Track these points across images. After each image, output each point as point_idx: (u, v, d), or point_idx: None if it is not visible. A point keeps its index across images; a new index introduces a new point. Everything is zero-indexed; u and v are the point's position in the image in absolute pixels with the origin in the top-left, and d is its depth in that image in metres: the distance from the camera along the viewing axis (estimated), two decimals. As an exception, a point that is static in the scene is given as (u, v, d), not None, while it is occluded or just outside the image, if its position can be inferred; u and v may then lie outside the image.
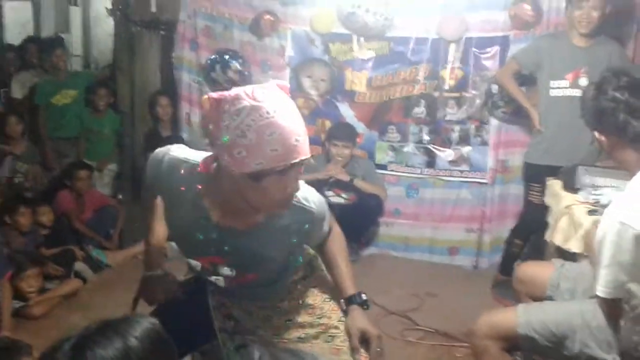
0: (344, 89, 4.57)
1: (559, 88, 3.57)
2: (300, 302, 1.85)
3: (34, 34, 6.71)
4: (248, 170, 1.40)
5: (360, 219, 4.26)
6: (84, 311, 3.45)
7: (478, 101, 4.33)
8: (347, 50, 4.50)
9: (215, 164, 1.52)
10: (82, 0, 7.74)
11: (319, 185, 3.82)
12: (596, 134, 2.03)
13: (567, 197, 2.87)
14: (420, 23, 4.33)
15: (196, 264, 1.75)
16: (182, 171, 1.62)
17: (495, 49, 4.24)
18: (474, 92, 4.34)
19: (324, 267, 1.91)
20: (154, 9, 4.91)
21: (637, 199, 1.82)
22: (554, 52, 3.60)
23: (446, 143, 4.44)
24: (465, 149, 4.41)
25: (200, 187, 1.59)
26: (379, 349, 1.75)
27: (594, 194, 2.76)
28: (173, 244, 1.89)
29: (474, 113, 4.36)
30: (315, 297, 1.87)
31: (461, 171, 4.44)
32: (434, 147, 4.47)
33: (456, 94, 4.38)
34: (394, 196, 4.51)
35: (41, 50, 5.40)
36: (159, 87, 5.09)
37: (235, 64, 4.62)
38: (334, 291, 1.87)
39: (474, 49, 4.27)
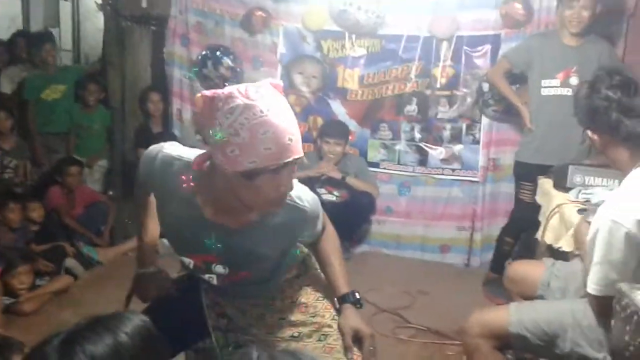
0: (336, 87, 4.57)
1: (549, 87, 3.59)
2: (294, 300, 1.85)
3: (23, 28, 6.62)
4: (241, 168, 1.39)
5: (352, 216, 4.26)
6: (74, 308, 3.43)
7: (469, 99, 4.35)
8: (339, 47, 4.50)
9: (208, 162, 1.52)
10: (72, -5, 7.67)
11: (311, 183, 3.82)
12: (589, 132, 2.04)
13: (558, 196, 2.89)
14: (412, 21, 4.34)
15: (189, 261, 1.75)
16: (176, 169, 1.61)
17: (487, 47, 4.25)
18: (465, 90, 4.35)
19: (317, 266, 1.91)
20: (144, 4, 4.87)
21: (629, 197, 1.84)
22: (545, 51, 3.62)
23: (438, 141, 4.46)
24: (457, 147, 4.43)
25: (193, 184, 1.58)
26: (371, 348, 1.75)
27: (585, 193, 2.78)
28: (165, 240, 1.88)
29: (465, 111, 4.38)
30: (309, 296, 1.87)
31: (453, 169, 4.45)
32: (425, 145, 4.48)
33: (447, 92, 4.40)
34: (385, 194, 4.52)
35: (30, 44, 5.32)
36: (149, 83, 5.05)
37: (227, 60, 4.61)
38: (327, 290, 1.87)
39: (465, 47, 4.29)
